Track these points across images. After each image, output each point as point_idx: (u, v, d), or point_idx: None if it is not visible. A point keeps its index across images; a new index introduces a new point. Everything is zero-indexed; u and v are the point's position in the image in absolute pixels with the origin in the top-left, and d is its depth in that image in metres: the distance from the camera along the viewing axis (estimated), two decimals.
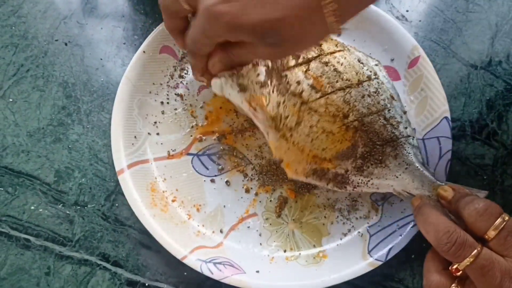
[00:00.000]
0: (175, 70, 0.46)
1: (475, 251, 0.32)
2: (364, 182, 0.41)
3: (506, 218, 0.34)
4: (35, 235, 0.43)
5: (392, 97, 0.43)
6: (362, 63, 0.44)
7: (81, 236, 0.43)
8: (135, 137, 0.44)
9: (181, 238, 0.42)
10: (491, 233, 0.33)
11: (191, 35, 0.37)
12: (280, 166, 0.42)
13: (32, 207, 0.44)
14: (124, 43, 0.48)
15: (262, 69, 0.41)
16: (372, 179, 0.41)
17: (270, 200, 0.44)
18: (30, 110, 0.46)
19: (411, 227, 0.41)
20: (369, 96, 0.42)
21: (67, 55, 0.48)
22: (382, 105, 0.42)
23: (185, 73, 0.46)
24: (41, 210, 0.44)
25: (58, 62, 0.47)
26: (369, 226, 0.43)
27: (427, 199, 0.39)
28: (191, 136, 0.45)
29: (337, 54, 0.43)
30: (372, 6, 0.46)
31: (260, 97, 0.41)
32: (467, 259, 0.32)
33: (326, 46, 0.44)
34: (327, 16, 0.31)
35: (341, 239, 0.43)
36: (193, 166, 0.44)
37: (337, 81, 0.42)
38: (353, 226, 0.43)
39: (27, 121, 0.46)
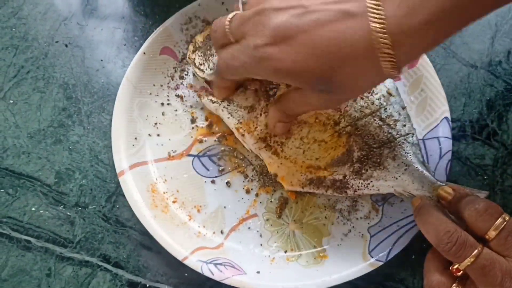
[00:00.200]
0: (176, 71, 0.46)
1: (476, 251, 0.32)
2: (364, 185, 0.41)
3: (507, 218, 0.34)
4: (36, 236, 0.43)
5: (390, 93, 0.43)
6: None
7: (82, 238, 0.43)
8: (135, 138, 0.44)
9: (181, 239, 0.42)
10: (492, 233, 0.33)
11: (228, 60, 0.35)
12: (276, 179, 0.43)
13: (33, 209, 0.44)
14: (125, 45, 0.48)
15: (250, 93, 0.42)
16: (372, 181, 0.41)
17: (271, 201, 0.44)
18: (31, 111, 0.46)
19: (412, 227, 0.41)
20: (361, 98, 0.42)
21: (68, 57, 0.48)
22: (377, 105, 0.42)
23: (185, 74, 0.46)
24: (41, 211, 0.44)
25: (59, 64, 0.48)
26: (369, 227, 0.43)
27: (428, 199, 0.39)
28: (192, 137, 0.45)
29: None
30: None
31: (248, 122, 0.42)
32: (468, 259, 0.32)
33: None
34: (383, 62, 0.29)
35: (341, 240, 0.43)
36: (193, 167, 0.44)
37: None
38: (353, 227, 0.43)
39: (28, 122, 0.46)
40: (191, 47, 0.45)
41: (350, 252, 0.42)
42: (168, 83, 0.46)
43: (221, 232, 0.43)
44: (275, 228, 0.43)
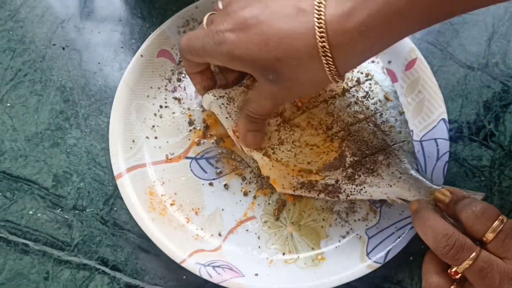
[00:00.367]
0: (173, 73, 0.46)
1: (474, 253, 0.33)
2: (357, 191, 0.41)
3: (504, 220, 0.34)
4: (34, 239, 0.43)
5: (387, 98, 0.43)
6: None
7: (79, 241, 0.43)
8: (133, 141, 0.44)
9: (179, 241, 0.42)
10: (489, 236, 0.34)
11: (191, 39, 0.37)
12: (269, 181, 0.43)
13: (31, 212, 0.44)
14: (122, 47, 0.48)
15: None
16: (365, 187, 0.41)
17: (269, 203, 0.44)
18: (28, 114, 0.46)
19: (410, 229, 0.42)
20: (356, 103, 0.42)
21: (65, 59, 0.48)
22: (372, 110, 0.42)
23: (183, 77, 0.46)
24: (39, 214, 0.44)
25: (56, 67, 0.47)
26: (367, 228, 0.43)
27: (425, 202, 0.39)
28: (189, 139, 0.45)
29: None
30: None
31: None
32: (466, 261, 0.33)
33: None
34: (323, 60, 0.31)
35: (339, 242, 0.43)
36: (191, 170, 0.44)
37: (319, 95, 0.42)
38: (351, 229, 0.43)
39: (25, 125, 0.46)
40: None
41: (348, 254, 0.42)
42: (165, 86, 0.46)
43: (219, 235, 0.43)
44: (273, 230, 0.43)
